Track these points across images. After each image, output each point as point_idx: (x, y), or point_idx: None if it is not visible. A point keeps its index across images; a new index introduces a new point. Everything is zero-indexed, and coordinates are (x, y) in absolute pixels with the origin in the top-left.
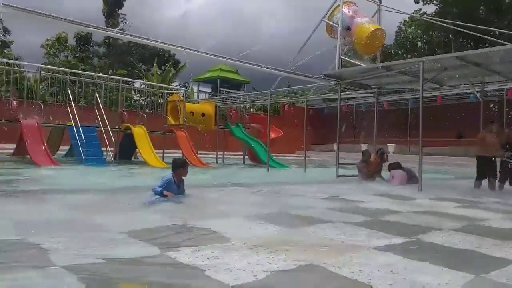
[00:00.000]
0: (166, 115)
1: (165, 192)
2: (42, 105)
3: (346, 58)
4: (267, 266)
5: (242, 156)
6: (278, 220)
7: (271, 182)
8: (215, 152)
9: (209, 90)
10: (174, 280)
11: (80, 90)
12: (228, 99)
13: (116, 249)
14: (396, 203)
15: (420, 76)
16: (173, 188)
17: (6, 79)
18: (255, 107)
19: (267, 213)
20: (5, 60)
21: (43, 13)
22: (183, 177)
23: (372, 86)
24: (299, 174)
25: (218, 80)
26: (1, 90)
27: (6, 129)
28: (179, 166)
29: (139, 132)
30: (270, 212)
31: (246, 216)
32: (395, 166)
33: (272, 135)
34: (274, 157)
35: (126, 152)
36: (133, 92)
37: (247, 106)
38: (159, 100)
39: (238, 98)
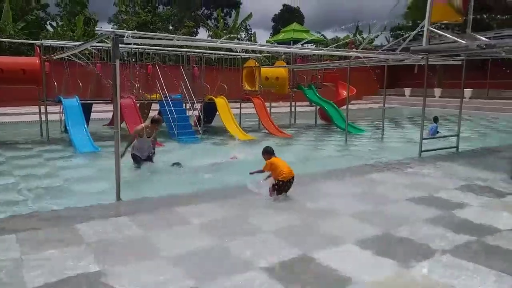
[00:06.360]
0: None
1: None
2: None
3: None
4: None
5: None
6: (387, 249)
7: (355, 162)
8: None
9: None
10: None
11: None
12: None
13: None
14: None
15: None
16: None
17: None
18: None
19: (373, 236)
20: None
21: None
22: None
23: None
24: (378, 145)
25: (292, 42)
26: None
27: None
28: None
29: (221, 103)
30: (376, 236)
31: (356, 242)
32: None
33: (344, 94)
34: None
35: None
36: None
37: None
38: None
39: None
